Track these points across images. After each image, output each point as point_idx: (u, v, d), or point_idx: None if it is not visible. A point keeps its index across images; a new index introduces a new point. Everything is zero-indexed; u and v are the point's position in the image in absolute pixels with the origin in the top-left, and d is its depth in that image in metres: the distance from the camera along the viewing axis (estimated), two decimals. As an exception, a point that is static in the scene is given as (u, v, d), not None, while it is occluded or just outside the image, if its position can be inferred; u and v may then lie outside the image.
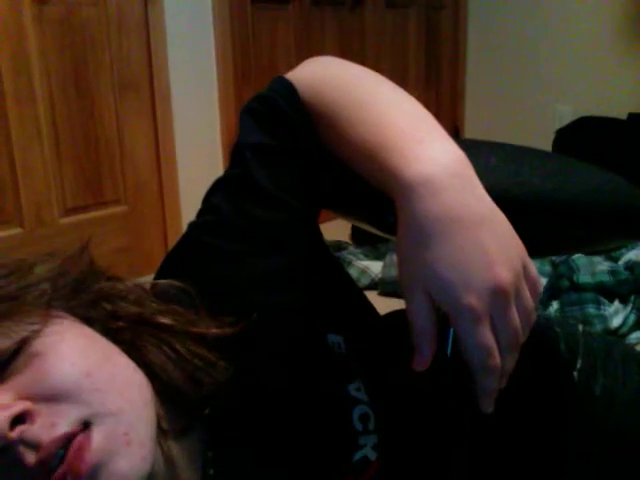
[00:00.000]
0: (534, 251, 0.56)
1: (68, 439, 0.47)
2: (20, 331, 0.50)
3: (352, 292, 0.70)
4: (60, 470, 0.46)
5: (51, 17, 2.24)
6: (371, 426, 0.58)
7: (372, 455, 0.57)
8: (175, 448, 0.55)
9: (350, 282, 0.71)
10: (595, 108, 3.27)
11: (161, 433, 0.54)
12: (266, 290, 0.59)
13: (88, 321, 0.55)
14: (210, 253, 0.61)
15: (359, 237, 2.72)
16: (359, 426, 0.58)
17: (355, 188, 0.65)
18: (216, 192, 0.65)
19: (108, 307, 0.57)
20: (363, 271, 2.40)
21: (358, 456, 0.57)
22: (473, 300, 0.49)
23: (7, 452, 0.46)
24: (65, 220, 2.38)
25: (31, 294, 0.53)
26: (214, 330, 0.57)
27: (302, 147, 0.63)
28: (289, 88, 0.64)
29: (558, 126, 3.28)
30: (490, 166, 0.66)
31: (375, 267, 2.42)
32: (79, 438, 0.47)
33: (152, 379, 0.54)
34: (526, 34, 3.58)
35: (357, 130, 0.58)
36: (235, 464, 0.57)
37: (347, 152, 0.60)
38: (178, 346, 0.56)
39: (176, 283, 0.60)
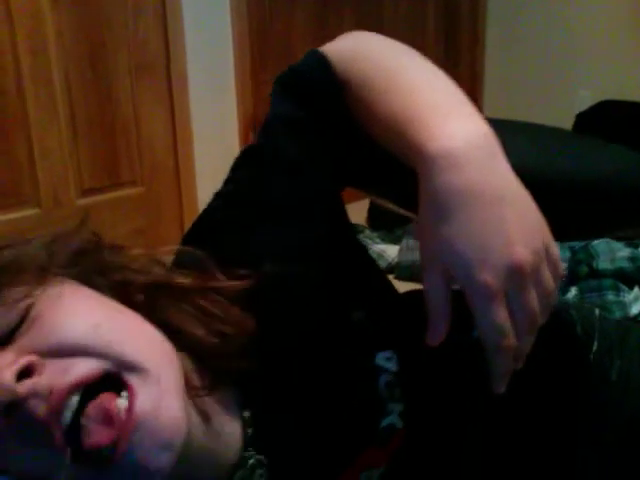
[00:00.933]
0: (558, 234, 0.55)
1: (85, 385, 0.46)
2: (23, 299, 0.49)
3: (374, 270, 0.70)
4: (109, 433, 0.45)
5: (68, -2, 2.23)
6: (397, 394, 0.58)
7: (399, 423, 0.58)
8: (210, 404, 0.55)
9: (371, 261, 0.71)
10: (615, 92, 3.22)
11: (193, 389, 0.54)
12: (284, 261, 0.59)
13: (95, 287, 0.55)
14: (229, 223, 0.62)
15: (375, 221, 2.71)
16: (386, 393, 0.58)
17: (382, 165, 0.64)
18: (242, 161, 0.65)
19: (117, 276, 0.57)
20: (379, 255, 2.39)
21: (385, 422, 0.57)
22: (489, 277, 0.48)
23: (18, 408, 0.45)
24: (82, 201, 2.39)
25: (26, 263, 0.53)
26: (231, 283, 0.57)
27: (332, 120, 0.63)
28: (322, 60, 0.63)
29: (578, 110, 3.24)
30: (517, 145, 0.65)
31: (391, 251, 2.40)
32: (123, 397, 0.46)
33: (176, 337, 0.54)
34: (546, 19, 3.53)
35: (385, 102, 0.58)
36: (271, 425, 0.57)
37: (375, 125, 0.60)
38: (197, 302, 0.57)
39: (189, 249, 0.60)
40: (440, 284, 0.50)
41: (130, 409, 0.46)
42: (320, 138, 0.63)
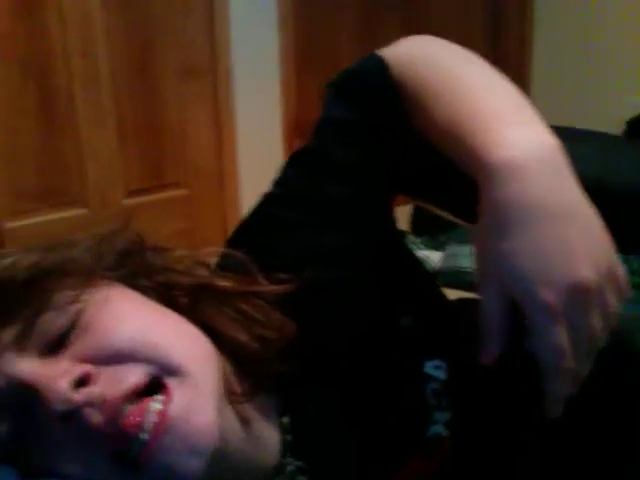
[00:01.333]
0: (622, 247, 0.53)
1: (135, 394, 0.47)
2: (72, 303, 0.50)
3: (423, 276, 0.69)
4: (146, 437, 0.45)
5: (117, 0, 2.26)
6: (444, 402, 0.57)
7: (444, 432, 0.56)
8: (250, 411, 0.55)
9: (421, 267, 0.70)
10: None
11: (232, 394, 0.53)
12: (330, 265, 0.59)
13: (138, 289, 0.55)
14: (276, 225, 0.61)
15: (419, 226, 2.68)
16: (433, 401, 0.57)
17: (438, 172, 0.63)
18: (291, 163, 0.65)
19: (160, 278, 0.57)
20: (423, 261, 2.37)
21: (431, 432, 0.56)
22: (550, 296, 0.46)
23: (74, 417, 0.46)
24: (128, 202, 2.41)
25: (75, 266, 0.53)
26: (273, 287, 0.57)
27: (386, 124, 0.61)
28: (379, 63, 0.62)
29: (626, 117, 3.17)
30: (582, 154, 0.63)
31: (435, 257, 2.38)
32: (157, 401, 0.46)
33: (215, 340, 0.54)
34: (594, 23, 3.46)
35: (443, 107, 0.56)
36: (311, 432, 0.57)
37: (432, 130, 0.58)
38: (239, 305, 0.56)
39: (233, 252, 0.60)
40: (497, 301, 0.49)
41: (163, 413, 0.46)
42: (373, 142, 0.62)
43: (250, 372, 0.56)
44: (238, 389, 0.55)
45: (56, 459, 0.47)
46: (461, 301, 0.75)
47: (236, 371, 0.55)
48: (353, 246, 0.60)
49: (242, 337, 0.55)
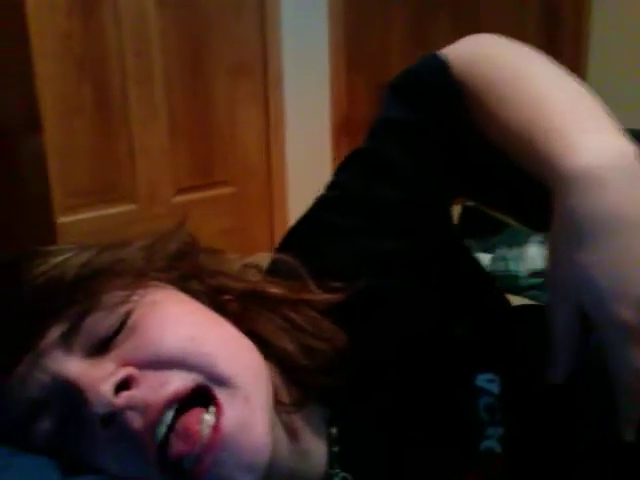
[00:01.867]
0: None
1: (178, 401, 0.46)
2: (121, 304, 0.49)
3: (483, 282, 0.66)
4: (197, 448, 0.45)
5: (171, 0, 2.29)
6: (498, 417, 0.55)
7: (497, 447, 0.54)
8: (297, 421, 0.54)
9: (482, 272, 0.67)
10: None
11: (280, 404, 0.52)
12: (383, 272, 0.57)
13: (189, 293, 0.55)
14: (328, 229, 0.60)
15: (468, 228, 2.64)
16: (486, 416, 0.55)
17: (502, 176, 0.61)
18: (346, 165, 0.63)
19: (212, 282, 0.56)
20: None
21: (484, 446, 0.54)
22: (628, 315, 0.44)
23: (114, 420, 0.45)
24: (177, 199, 2.44)
25: (126, 267, 0.53)
26: (324, 296, 0.56)
27: (447, 125, 0.59)
28: (439, 63, 0.60)
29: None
30: None
31: (484, 259, 2.34)
32: (209, 414, 0.46)
33: (264, 349, 0.53)
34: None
35: (512, 110, 0.54)
36: (359, 443, 0.55)
37: (499, 134, 0.56)
38: (289, 314, 0.55)
39: (286, 257, 0.59)
40: (570, 316, 0.47)
41: (216, 427, 0.46)
42: (431, 144, 0.60)
43: (297, 382, 0.55)
44: (286, 399, 0.54)
45: (98, 456, 0.47)
46: (522, 308, 0.72)
47: (284, 381, 0.54)
48: (407, 252, 0.58)
49: (290, 347, 0.54)
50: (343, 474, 0.54)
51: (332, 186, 0.63)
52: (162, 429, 0.46)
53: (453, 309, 0.59)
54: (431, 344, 0.57)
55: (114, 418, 0.45)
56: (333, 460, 0.55)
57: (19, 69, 1.95)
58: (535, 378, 0.54)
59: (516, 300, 0.71)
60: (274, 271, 0.60)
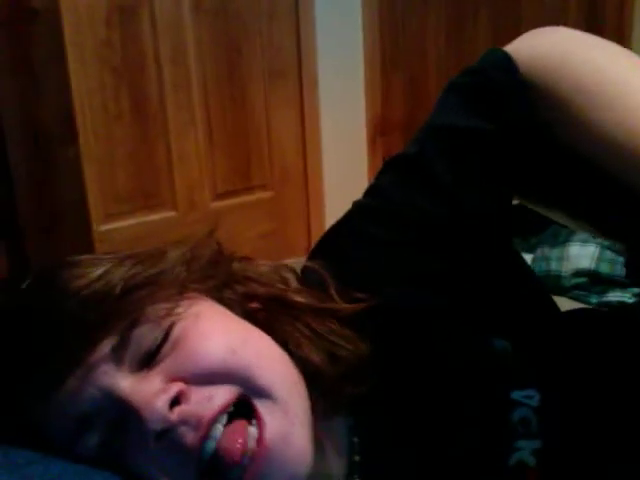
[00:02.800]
0: None
1: (227, 412, 0.47)
2: (166, 317, 0.50)
3: (532, 293, 0.63)
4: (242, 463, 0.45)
5: (208, 7, 2.31)
6: (534, 430, 0.53)
7: (531, 461, 0.52)
8: (321, 430, 0.53)
9: (532, 282, 0.64)
10: None
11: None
12: (410, 287, 0.55)
13: (224, 303, 0.55)
14: (361, 238, 0.58)
15: (507, 229, 2.61)
16: (520, 429, 0.53)
17: (578, 181, 0.57)
18: (388, 171, 0.60)
19: (241, 289, 0.56)
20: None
21: (514, 459, 0.52)
22: None
23: (167, 435, 0.46)
24: (215, 204, 2.46)
25: (167, 278, 0.53)
26: (347, 305, 0.55)
27: (514, 131, 0.55)
28: (505, 61, 0.56)
29: None
30: None
31: (526, 259, 2.30)
32: (253, 426, 0.46)
33: (291, 358, 0.53)
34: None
35: (604, 115, 0.51)
36: (381, 453, 0.54)
37: (584, 139, 0.53)
38: (313, 323, 0.54)
39: (315, 266, 0.58)
40: None
41: (260, 439, 0.46)
42: (486, 156, 0.56)
43: (322, 392, 0.54)
44: (314, 409, 0.53)
45: (145, 467, 0.48)
46: (574, 314, 0.69)
47: (310, 391, 0.54)
48: (440, 270, 0.55)
49: (315, 357, 0.53)
50: None
51: (371, 192, 0.61)
52: (212, 444, 0.46)
53: (495, 323, 0.57)
54: (463, 359, 0.55)
55: (167, 433, 0.46)
56: (353, 469, 0.54)
57: (57, 79, 1.98)
58: (580, 391, 0.52)
59: (559, 300, 0.68)
60: (303, 279, 0.59)
